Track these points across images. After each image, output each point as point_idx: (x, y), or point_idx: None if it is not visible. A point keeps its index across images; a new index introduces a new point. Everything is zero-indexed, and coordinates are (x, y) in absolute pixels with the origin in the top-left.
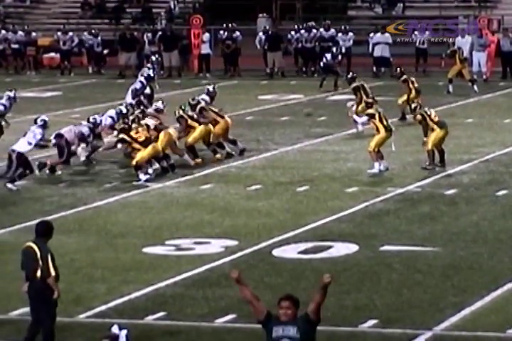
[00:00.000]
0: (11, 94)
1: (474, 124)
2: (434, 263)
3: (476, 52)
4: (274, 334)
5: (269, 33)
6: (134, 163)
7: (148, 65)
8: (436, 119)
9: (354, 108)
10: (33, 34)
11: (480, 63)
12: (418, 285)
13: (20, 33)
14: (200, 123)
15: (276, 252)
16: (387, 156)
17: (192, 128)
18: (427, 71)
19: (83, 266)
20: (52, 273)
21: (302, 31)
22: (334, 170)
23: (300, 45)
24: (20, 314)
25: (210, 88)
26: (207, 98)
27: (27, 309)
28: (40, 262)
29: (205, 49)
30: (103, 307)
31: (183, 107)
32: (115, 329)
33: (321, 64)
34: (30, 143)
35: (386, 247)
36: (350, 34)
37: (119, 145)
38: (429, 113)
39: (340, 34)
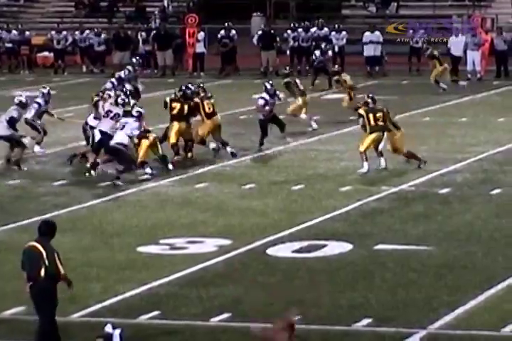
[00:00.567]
0: (45, 90)
1: (468, 123)
2: (428, 262)
3: (470, 51)
4: None
5: (263, 31)
6: (138, 160)
7: (129, 66)
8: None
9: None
10: (27, 33)
11: (474, 62)
12: (412, 284)
13: (14, 32)
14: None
15: (270, 251)
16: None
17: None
18: (420, 70)
19: (78, 265)
20: (62, 270)
21: (299, 30)
22: (328, 169)
23: (296, 43)
24: (13, 313)
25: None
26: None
27: (21, 308)
28: (47, 261)
29: (200, 48)
30: (98, 307)
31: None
32: (108, 328)
33: (314, 63)
34: (128, 135)
35: (380, 246)
36: (344, 33)
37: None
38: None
39: (333, 33)
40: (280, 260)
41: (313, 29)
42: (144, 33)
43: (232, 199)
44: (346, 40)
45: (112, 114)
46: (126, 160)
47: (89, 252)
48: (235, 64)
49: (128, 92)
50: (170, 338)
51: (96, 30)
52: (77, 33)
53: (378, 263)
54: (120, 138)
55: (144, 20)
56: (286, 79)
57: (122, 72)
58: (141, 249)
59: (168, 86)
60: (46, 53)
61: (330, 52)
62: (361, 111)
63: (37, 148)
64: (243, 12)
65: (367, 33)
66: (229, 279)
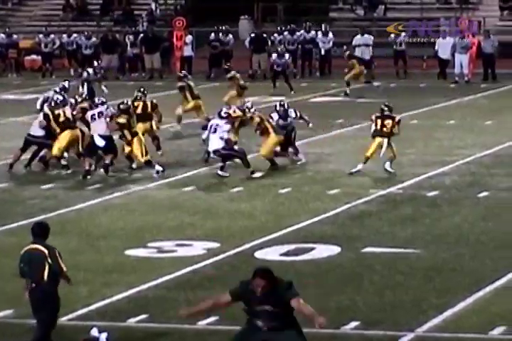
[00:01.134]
0: (66, 84)
1: (456, 126)
2: (416, 265)
3: (458, 54)
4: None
5: (255, 34)
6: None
7: (89, 69)
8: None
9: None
10: (15, 36)
11: (462, 65)
12: (400, 287)
13: (1, 35)
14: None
15: (258, 254)
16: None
17: None
18: (407, 72)
19: None
20: (64, 268)
21: (285, 33)
22: (316, 172)
23: (283, 47)
24: (1, 317)
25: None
26: None
27: (9, 312)
28: (50, 260)
29: (188, 51)
30: (85, 310)
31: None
32: (94, 332)
33: (273, 66)
34: (222, 138)
35: (368, 249)
36: (330, 36)
37: None
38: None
39: (320, 36)
40: (268, 263)
41: (300, 32)
42: (131, 36)
43: (221, 202)
44: (333, 43)
45: (96, 115)
46: (237, 157)
47: (76, 255)
48: (222, 67)
49: (80, 94)
50: None
51: (86, 33)
52: (64, 36)
53: (366, 266)
54: (215, 145)
55: (132, 23)
56: (180, 84)
57: (66, 82)
58: (129, 252)
59: (155, 89)
60: (34, 56)
61: (287, 56)
62: (373, 116)
63: None
64: (231, 15)
65: (357, 36)
66: (217, 282)
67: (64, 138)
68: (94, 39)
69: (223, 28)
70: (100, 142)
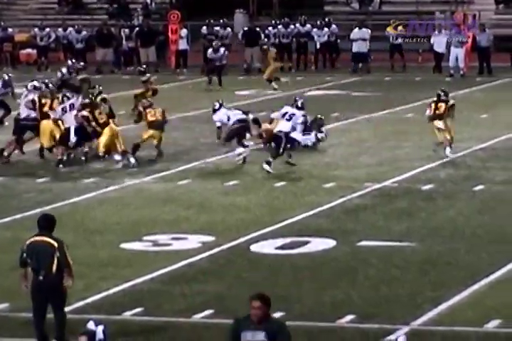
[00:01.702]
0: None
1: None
2: (411, 259)
3: (454, 47)
4: (243, 339)
5: (248, 28)
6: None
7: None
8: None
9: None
10: (10, 30)
11: (458, 58)
12: (395, 281)
13: None
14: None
15: (253, 248)
16: (366, 150)
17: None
18: (405, 66)
19: None
20: (70, 261)
21: (279, 26)
22: (311, 165)
23: (277, 40)
24: None
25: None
26: None
27: (5, 305)
28: (58, 253)
29: (183, 45)
30: (81, 303)
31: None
32: (91, 325)
33: (208, 61)
34: (294, 128)
35: (363, 243)
36: (326, 29)
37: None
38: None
39: (315, 29)
40: (263, 256)
41: (293, 26)
42: (126, 30)
43: (216, 196)
44: (328, 37)
45: (67, 108)
46: (278, 147)
47: (72, 249)
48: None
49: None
50: (153, 334)
51: (76, 26)
52: (60, 29)
53: (361, 260)
54: (283, 127)
55: (127, 16)
56: (81, 76)
57: (5, 74)
58: (124, 245)
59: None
60: (29, 50)
61: (222, 50)
62: (430, 102)
63: None
64: (226, 8)
65: (355, 30)
66: (212, 276)
67: (46, 129)
68: (84, 33)
69: (221, 21)
70: (75, 133)
